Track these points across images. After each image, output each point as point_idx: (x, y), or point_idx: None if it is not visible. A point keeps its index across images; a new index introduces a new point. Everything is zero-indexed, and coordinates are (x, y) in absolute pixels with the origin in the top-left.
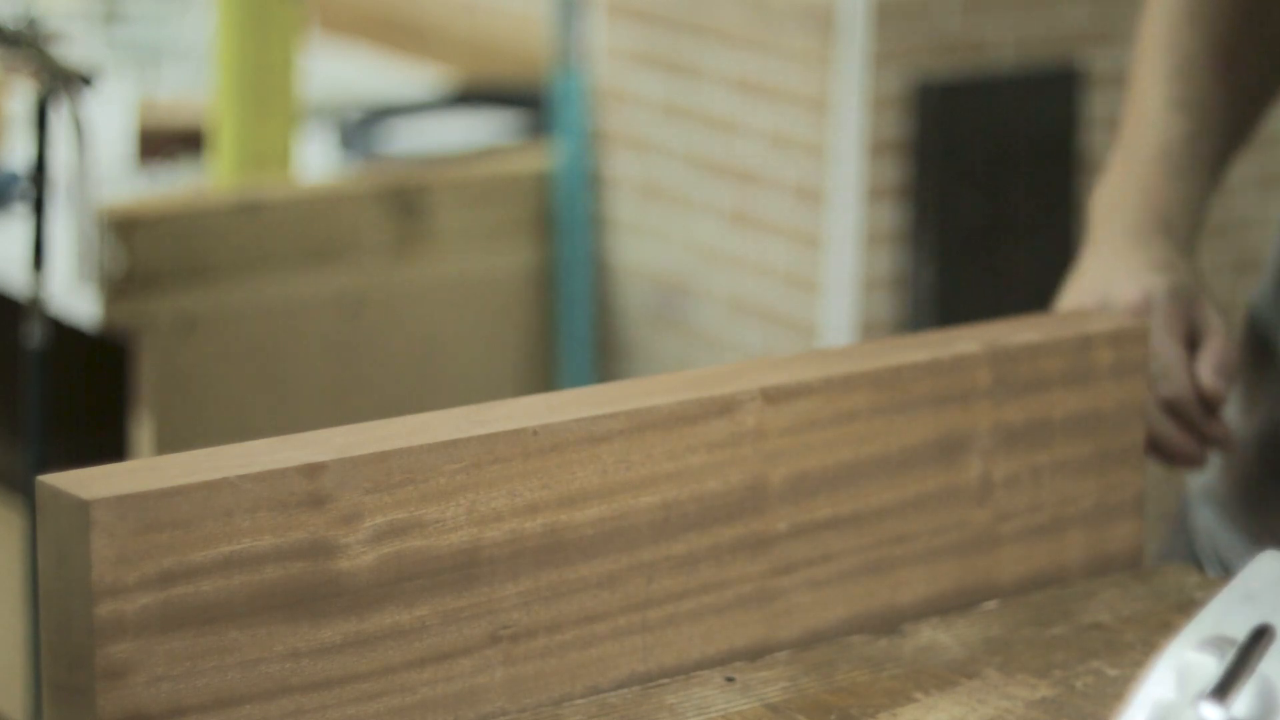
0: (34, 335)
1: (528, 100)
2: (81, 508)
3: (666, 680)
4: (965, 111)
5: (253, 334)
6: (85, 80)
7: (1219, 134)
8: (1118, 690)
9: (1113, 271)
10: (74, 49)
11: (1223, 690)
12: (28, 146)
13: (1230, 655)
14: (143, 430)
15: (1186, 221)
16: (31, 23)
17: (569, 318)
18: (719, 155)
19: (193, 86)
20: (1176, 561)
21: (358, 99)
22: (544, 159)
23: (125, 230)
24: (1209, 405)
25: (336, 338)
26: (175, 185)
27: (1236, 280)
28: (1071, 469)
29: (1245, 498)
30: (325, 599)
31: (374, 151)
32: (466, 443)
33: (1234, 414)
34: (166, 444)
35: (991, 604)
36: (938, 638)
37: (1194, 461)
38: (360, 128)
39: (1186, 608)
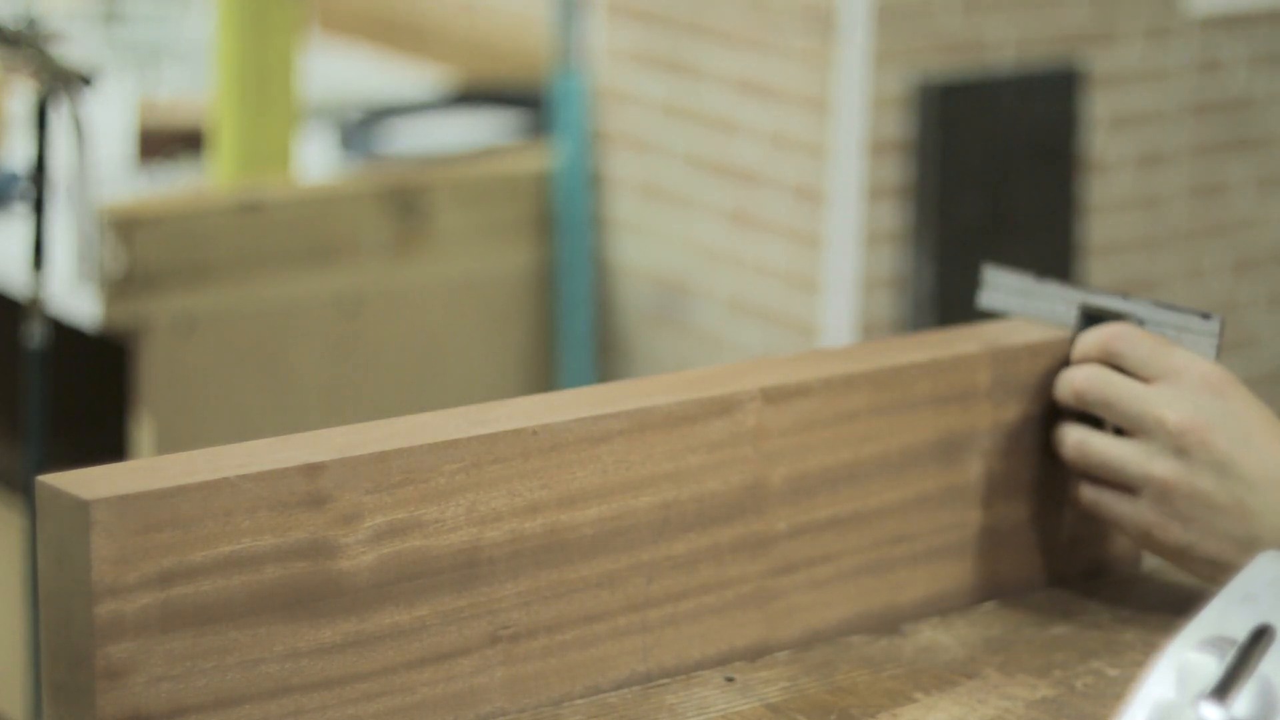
0: (34, 335)
1: (528, 100)
2: (81, 508)
3: (666, 680)
4: (965, 111)
5: (253, 334)
6: (85, 80)
7: None
8: (1118, 690)
9: None
10: (74, 49)
11: (1223, 690)
12: (28, 146)
13: (1230, 655)
14: (143, 430)
15: None
16: (31, 23)
17: (569, 318)
18: (719, 155)
19: (193, 86)
20: None
21: (358, 99)
22: (544, 159)
23: (125, 230)
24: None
25: (336, 338)
26: (175, 185)
27: (1236, 280)
28: (1071, 469)
29: None
30: (325, 599)
31: (374, 151)
32: (466, 443)
33: None
34: (166, 444)
35: (991, 604)
36: (938, 638)
37: None
38: (360, 128)
39: (1186, 608)
